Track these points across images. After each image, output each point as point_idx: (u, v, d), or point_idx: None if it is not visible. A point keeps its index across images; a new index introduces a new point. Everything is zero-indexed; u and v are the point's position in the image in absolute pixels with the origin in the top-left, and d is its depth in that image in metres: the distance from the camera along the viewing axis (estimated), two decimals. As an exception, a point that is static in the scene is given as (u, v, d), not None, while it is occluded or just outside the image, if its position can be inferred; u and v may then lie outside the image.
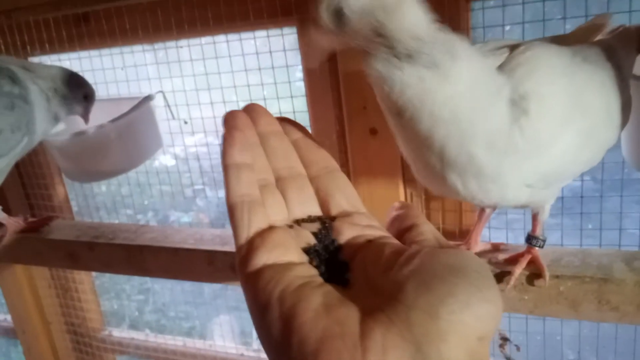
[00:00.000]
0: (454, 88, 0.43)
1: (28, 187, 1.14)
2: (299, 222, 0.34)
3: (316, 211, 0.35)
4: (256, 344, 1.36)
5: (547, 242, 0.59)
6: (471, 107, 0.44)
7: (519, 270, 0.57)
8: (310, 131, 0.40)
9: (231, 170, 0.33)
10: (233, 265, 0.70)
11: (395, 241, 0.32)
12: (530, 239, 0.58)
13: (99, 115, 0.91)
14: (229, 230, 0.76)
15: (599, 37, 0.57)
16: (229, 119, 0.35)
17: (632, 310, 0.54)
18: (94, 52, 0.99)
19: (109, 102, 0.99)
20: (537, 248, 0.58)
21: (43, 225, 0.91)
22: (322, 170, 0.36)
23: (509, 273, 0.57)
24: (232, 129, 0.34)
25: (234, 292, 1.35)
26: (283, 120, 0.38)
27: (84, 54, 1.01)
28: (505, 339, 0.97)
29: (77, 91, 0.81)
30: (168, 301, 1.84)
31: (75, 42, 0.97)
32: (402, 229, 0.33)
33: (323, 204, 0.35)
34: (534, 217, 0.58)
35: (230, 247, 0.71)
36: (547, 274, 0.56)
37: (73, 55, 1.01)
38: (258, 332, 0.28)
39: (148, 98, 0.93)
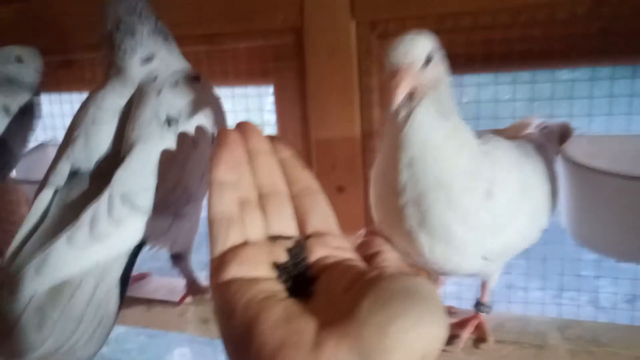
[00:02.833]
0: (451, 155, 0.49)
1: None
2: (275, 238, 0.36)
3: (293, 229, 0.37)
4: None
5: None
6: (453, 165, 0.49)
7: (466, 334, 0.63)
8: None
9: (215, 187, 0.35)
10: (205, 318, 0.73)
11: (362, 264, 0.34)
12: (478, 305, 0.65)
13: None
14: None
15: (528, 131, 0.67)
16: (220, 137, 0.38)
17: (564, 376, 0.61)
18: (75, 97, 1.02)
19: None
20: (483, 314, 0.65)
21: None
22: (304, 190, 0.38)
23: (458, 336, 0.63)
24: (221, 147, 0.37)
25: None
26: (273, 138, 0.40)
27: (65, 97, 1.03)
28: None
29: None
30: (123, 332, 1.81)
31: (55, 86, 1.00)
32: (368, 255, 0.36)
33: (300, 222, 0.37)
34: (483, 286, 0.65)
35: (202, 299, 0.74)
36: (491, 339, 0.63)
37: (54, 97, 1.03)
38: (223, 339, 0.30)
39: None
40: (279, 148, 0.40)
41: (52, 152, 1.02)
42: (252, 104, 0.93)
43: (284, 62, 0.87)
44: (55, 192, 0.57)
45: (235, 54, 0.89)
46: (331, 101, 0.83)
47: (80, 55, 0.96)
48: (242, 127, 0.39)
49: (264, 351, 0.27)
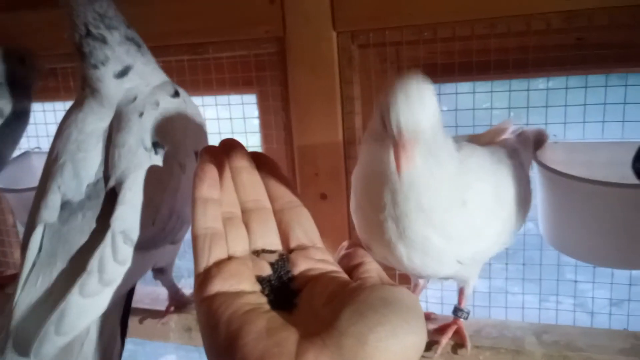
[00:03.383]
0: (434, 179, 0.49)
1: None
2: (259, 252, 0.36)
3: (276, 243, 0.38)
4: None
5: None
6: (435, 193, 0.50)
7: (445, 340, 0.64)
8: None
9: (199, 204, 0.36)
10: (187, 327, 0.74)
11: (345, 276, 0.35)
12: (456, 311, 0.66)
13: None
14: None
15: (504, 137, 0.68)
16: (204, 154, 0.38)
17: (540, 379, 0.62)
18: (58, 106, 1.02)
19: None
20: (462, 319, 0.66)
21: (10, 282, 0.90)
22: (286, 205, 0.39)
23: (437, 342, 0.64)
24: (204, 164, 0.38)
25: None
26: (256, 155, 0.41)
27: (48, 106, 1.03)
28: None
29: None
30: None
31: (41, 94, 1.00)
32: (351, 266, 0.36)
33: (283, 236, 0.38)
34: (461, 291, 0.66)
35: (185, 309, 0.75)
36: (469, 344, 0.64)
37: (37, 106, 1.03)
38: (207, 351, 0.31)
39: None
40: (262, 164, 0.41)
41: (36, 160, 1.02)
42: (235, 112, 0.93)
43: (267, 71, 0.88)
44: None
45: (219, 64, 0.89)
46: (313, 110, 0.84)
47: (65, 65, 0.96)
48: (225, 144, 0.40)
49: None
